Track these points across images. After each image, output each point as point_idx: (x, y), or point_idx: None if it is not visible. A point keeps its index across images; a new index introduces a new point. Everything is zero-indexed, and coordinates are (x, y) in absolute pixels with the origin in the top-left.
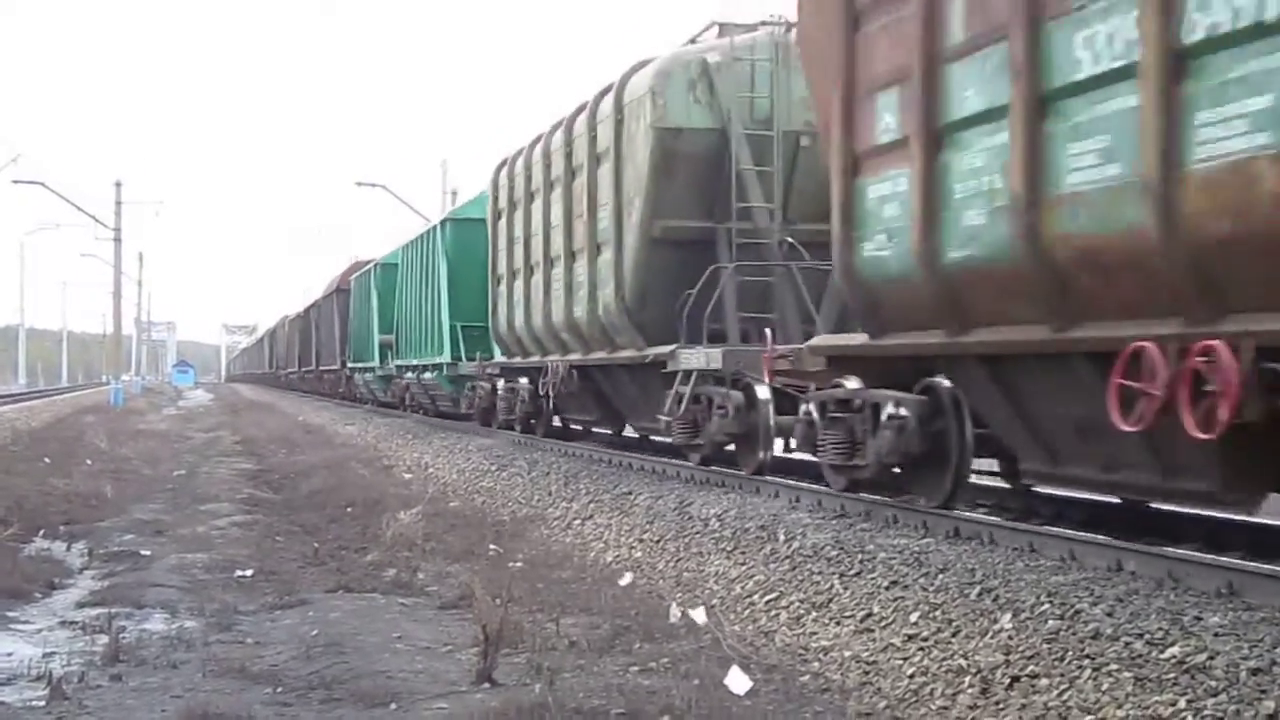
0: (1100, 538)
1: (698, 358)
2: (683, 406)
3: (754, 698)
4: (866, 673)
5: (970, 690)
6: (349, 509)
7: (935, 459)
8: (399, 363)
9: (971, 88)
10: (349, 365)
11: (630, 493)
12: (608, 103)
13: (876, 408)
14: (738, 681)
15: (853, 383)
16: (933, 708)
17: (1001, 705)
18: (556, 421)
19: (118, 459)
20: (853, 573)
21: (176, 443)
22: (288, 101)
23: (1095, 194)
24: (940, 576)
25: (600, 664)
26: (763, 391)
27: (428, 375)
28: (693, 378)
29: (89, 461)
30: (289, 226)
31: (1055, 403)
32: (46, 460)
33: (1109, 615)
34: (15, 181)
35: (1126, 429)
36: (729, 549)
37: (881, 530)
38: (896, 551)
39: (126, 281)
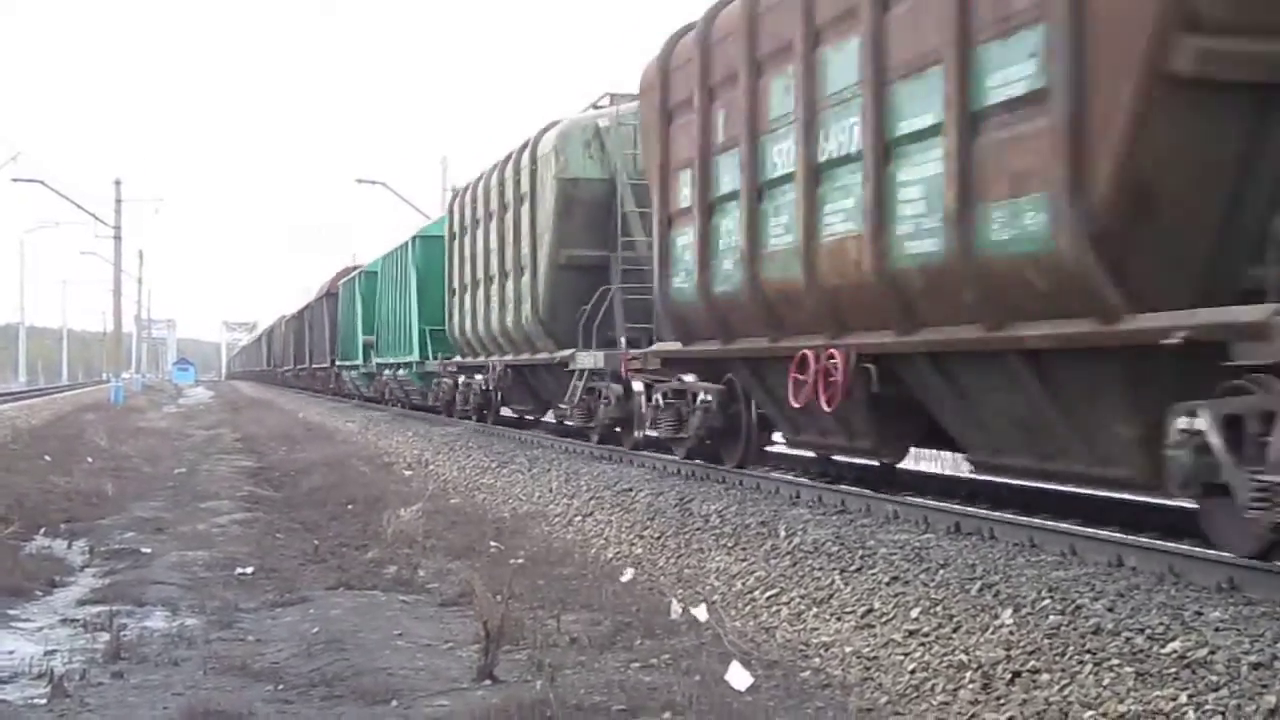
0: (1102, 533)
1: (589, 359)
2: (578, 396)
3: (755, 694)
4: (867, 668)
5: (971, 686)
6: (349, 506)
7: (734, 432)
8: (379, 361)
9: (726, 175)
10: (337, 363)
11: (631, 489)
12: (526, 155)
13: (695, 395)
14: (739, 677)
15: (690, 377)
16: (934, 703)
17: (1003, 700)
18: (507, 412)
19: (118, 457)
20: (853, 568)
21: (177, 440)
22: (287, 99)
23: (782, 253)
24: (941, 572)
25: (601, 660)
26: (637, 385)
27: (401, 372)
28: (585, 374)
29: (89, 459)
30: (289, 223)
31: (785, 391)
32: (47, 458)
33: (1110, 610)
34: (15, 180)
35: (795, 405)
36: (730, 545)
37: (882, 526)
38: (897, 547)
39: (126, 279)
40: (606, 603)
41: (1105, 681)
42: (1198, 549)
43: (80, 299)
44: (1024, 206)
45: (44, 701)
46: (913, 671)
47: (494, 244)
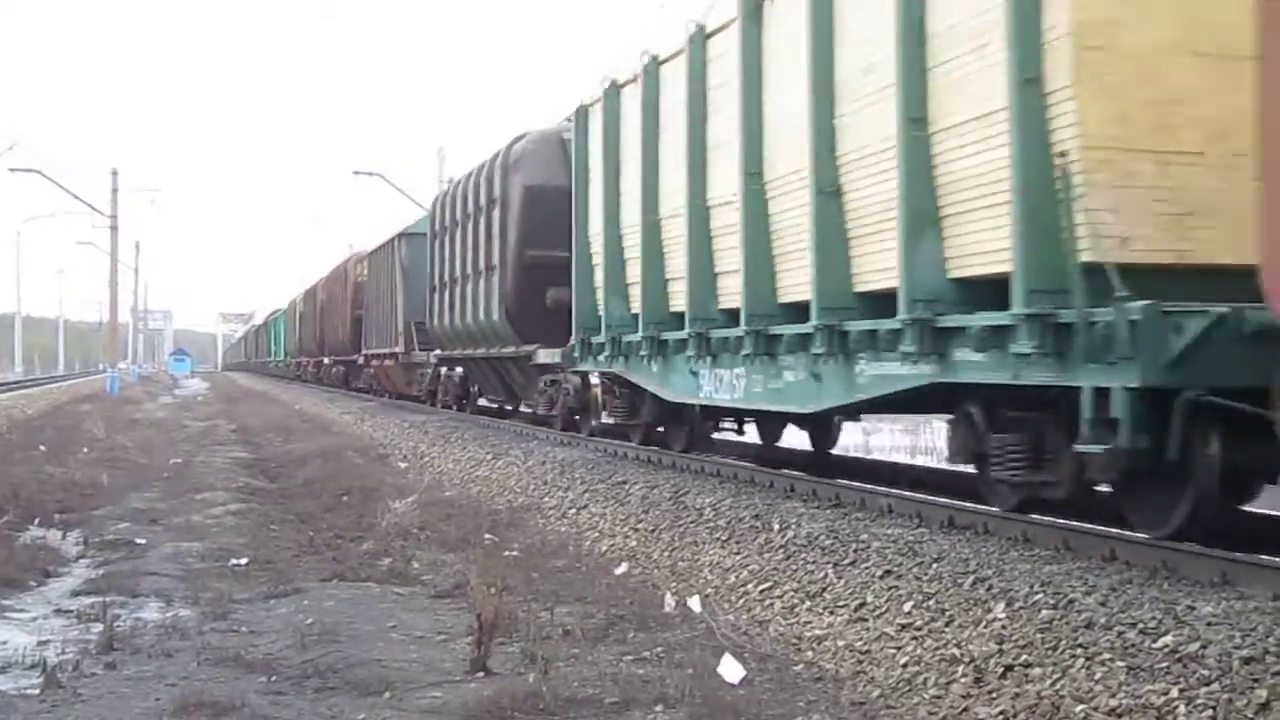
0: (1095, 527)
1: (427, 357)
2: (425, 377)
3: (748, 686)
4: (860, 662)
5: (963, 679)
6: (344, 497)
7: (466, 394)
8: (275, 358)
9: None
10: (267, 358)
11: (625, 482)
12: (367, 254)
13: (446, 374)
14: (731, 670)
15: (460, 367)
16: (926, 697)
17: (994, 694)
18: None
19: (114, 447)
20: (847, 562)
21: (173, 431)
22: (285, 90)
23: (453, 312)
24: (934, 566)
25: (594, 653)
26: (443, 369)
27: (280, 362)
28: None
29: (85, 450)
30: (287, 214)
31: (488, 373)
32: (43, 448)
33: (1102, 605)
34: (12, 169)
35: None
36: (724, 538)
37: (876, 520)
38: (890, 541)
39: (123, 270)
40: (600, 595)
41: (1097, 675)
42: (1190, 544)
43: (77, 289)
44: (483, 308)
45: (37, 692)
46: (905, 665)
47: (382, 293)
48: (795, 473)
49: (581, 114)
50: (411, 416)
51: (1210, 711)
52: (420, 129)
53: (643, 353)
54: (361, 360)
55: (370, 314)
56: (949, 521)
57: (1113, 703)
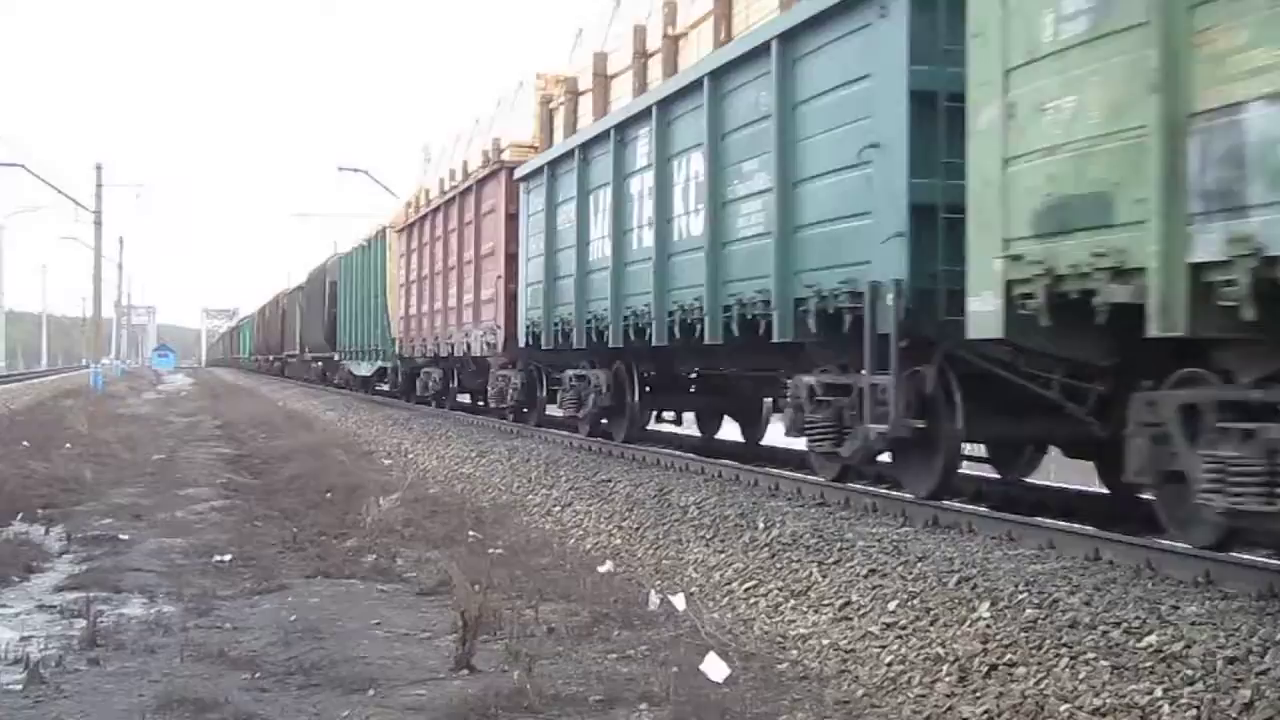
0: (1079, 527)
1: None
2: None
3: (732, 685)
4: (844, 661)
5: (948, 678)
6: (328, 494)
7: (324, 377)
8: (246, 355)
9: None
10: (238, 354)
11: (610, 480)
12: (288, 291)
13: (315, 366)
14: (715, 669)
15: (320, 362)
16: (910, 696)
17: (979, 693)
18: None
19: (97, 443)
20: (831, 561)
21: (156, 427)
22: (271, 86)
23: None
24: (919, 565)
25: (579, 651)
26: (315, 364)
27: (252, 359)
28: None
29: (68, 445)
30: (272, 209)
31: (331, 365)
32: (25, 443)
33: (1087, 604)
34: None
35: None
36: (708, 536)
37: (860, 518)
38: (875, 540)
39: (107, 265)
40: (584, 593)
41: (1081, 675)
42: (1175, 543)
43: (60, 284)
44: (321, 333)
45: (20, 688)
46: (889, 664)
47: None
48: (780, 471)
49: (344, 258)
50: (394, 413)
51: (1194, 711)
52: (405, 125)
53: (350, 355)
54: (286, 357)
55: (288, 328)
56: (933, 520)
57: (1097, 702)
